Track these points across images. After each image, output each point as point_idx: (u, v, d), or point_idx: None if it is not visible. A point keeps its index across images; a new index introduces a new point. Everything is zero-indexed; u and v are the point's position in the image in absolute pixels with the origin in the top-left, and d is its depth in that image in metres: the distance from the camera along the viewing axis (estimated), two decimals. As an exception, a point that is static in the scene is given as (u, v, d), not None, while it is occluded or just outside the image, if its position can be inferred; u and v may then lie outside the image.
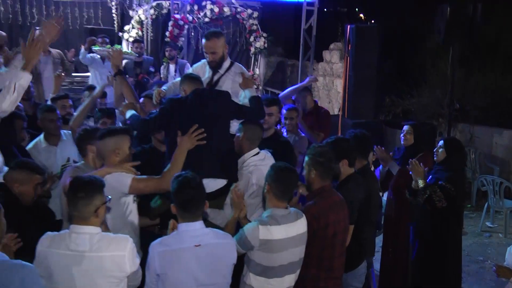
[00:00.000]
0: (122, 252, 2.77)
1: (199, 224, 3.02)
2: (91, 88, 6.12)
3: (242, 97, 4.57)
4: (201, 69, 4.85)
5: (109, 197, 2.94)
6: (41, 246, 2.79)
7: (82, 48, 8.45)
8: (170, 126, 3.97)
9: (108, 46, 4.99)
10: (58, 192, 4.18)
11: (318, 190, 3.60)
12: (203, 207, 3.05)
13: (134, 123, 4.08)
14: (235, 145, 4.14)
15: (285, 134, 5.56)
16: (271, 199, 3.34)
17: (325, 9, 10.90)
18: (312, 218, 3.43)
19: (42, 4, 10.08)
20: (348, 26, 7.85)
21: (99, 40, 8.22)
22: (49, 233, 2.83)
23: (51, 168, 4.55)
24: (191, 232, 2.98)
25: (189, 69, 5.06)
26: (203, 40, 4.63)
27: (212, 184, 3.82)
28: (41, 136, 4.85)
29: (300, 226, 3.34)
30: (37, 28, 3.89)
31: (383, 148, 5.09)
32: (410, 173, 4.46)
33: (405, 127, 5.29)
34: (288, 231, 3.25)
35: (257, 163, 4.03)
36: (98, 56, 8.13)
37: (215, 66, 4.67)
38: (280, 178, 3.30)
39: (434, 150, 4.69)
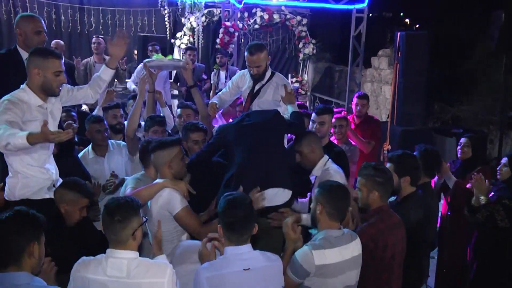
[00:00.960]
0: (161, 279, 2.64)
1: (247, 248, 2.86)
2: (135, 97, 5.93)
3: (283, 108, 4.58)
4: (241, 80, 4.89)
5: (146, 217, 2.91)
6: (76, 271, 2.69)
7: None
8: (227, 149, 4.02)
9: (159, 55, 5.01)
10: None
11: (376, 210, 3.43)
12: (252, 231, 2.88)
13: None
14: (306, 160, 4.05)
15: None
16: (324, 220, 3.15)
17: (370, 14, 10.80)
18: (369, 240, 3.27)
19: (99, 13, 10.43)
20: (398, 33, 7.77)
21: (149, 48, 8.35)
22: (84, 258, 2.72)
23: (99, 179, 4.59)
24: (239, 256, 2.83)
25: (233, 78, 5.08)
26: (246, 54, 4.62)
27: (280, 196, 3.76)
28: (89, 147, 4.88)
29: (355, 248, 3.15)
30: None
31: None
32: (468, 186, 4.26)
33: (462, 140, 5.02)
34: (343, 253, 3.07)
35: (334, 166, 3.99)
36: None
37: (259, 78, 4.69)
38: (334, 198, 3.12)
39: (498, 168, 4.44)
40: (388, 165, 3.85)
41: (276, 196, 3.71)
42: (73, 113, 5.25)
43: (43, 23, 4.23)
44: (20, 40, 4.13)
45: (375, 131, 6.20)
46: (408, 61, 7.61)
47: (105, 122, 4.91)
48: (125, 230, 2.65)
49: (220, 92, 5.13)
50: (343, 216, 3.22)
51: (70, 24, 10.32)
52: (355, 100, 6.43)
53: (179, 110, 5.29)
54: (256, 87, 4.73)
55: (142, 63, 5.04)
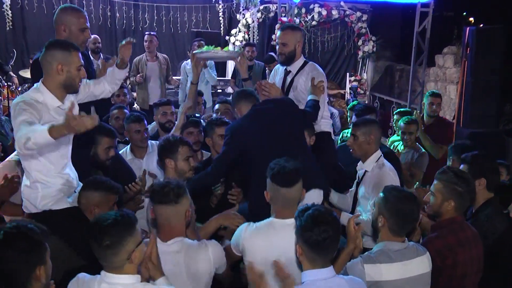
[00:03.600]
0: None
1: (329, 272, 2.43)
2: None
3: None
4: (275, 74, 4.63)
5: (146, 230, 2.55)
6: None
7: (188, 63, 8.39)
8: (242, 155, 3.62)
9: (209, 48, 4.70)
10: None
11: (447, 221, 3.04)
12: (336, 249, 2.47)
13: (197, 182, 3.57)
14: (357, 148, 3.74)
15: (401, 147, 5.12)
16: (385, 233, 2.79)
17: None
18: (436, 254, 2.88)
19: (153, 9, 10.38)
20: (468, 28, 7.25)
21: (195, 43, 8.10)
22: (80, 275, 2.39)
23: None
24: (322, 283, 2.40)
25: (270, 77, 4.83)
26: (278, 33, 4.40)
27: (311, 198, 3.40)
28: (127, 147, 4.59)
29: (421, 265, 2.75)
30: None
31: None
32: None
33: None
34: (405, 270, 2.67)
35: (389, 164, 3.71)
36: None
37: (284, 60, 4.37)
38: (399, 212, 2.72)
39: None
40: (461, 166, 3.44)
41: (308, 198, 3.28)
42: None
43: (87, 17, 3.90)
44: (63, 36, 3.72)
45: (449, 135, 5.74)
46: (479, 58, 7.07)
47: (145, 122, 4.62)
48: (118, 256, 2.23)
49: None
50: (408, 230, 2.83)
51: (125, 21, 10.32)
52: (429, 98, 5.92)
53: (217, 105, 5.05)
54: (288, 78, 4.41)
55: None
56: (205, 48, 4.76)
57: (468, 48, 7.21)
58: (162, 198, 2.68)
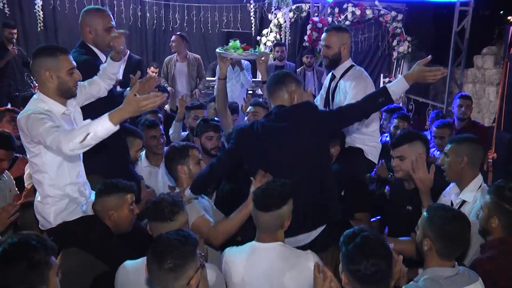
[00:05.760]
0: None
1: None
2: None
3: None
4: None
5: (203, 254, 2.27)
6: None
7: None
8: (246, 162, 3.33)
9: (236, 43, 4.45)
10: None
11: (497, 242, 2.75)
12: (391, 279, 2.23)
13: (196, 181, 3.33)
14: (448, 169, 3.23)
15: (437, 153, 4.86)
16: (433, 258, 2.48)
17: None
18: (486, 278, 2.55)
19: (184, 9, 10.31)
20: (511, 27, 6.94)
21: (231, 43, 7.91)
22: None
23: None
24: None
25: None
26: (323, 34, 4.10)
27: (310, 235, 3.19)
28: (143, 154, 4.38)
29: None
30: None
31: None
32: None
33: None
34: None
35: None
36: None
37: (327, 64, 4.07)
38: (447, 234, 2.42)
39: None
40: None
41: (307, 237, 3.15)
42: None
43: (112, 16, 3.79)
44: (89, 38, 3.66)
45: (482, 139, 5.36)
46: (523, 58, 6.76)
47: (161, 127, 4.44)
48: (179, 281, 2.03)
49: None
50: (458, 254, 2.53)
51: (155, 21, 10.27)
52: (457, 101, 5.68)
53: (251, 107, 4.72)
54: (332, 84, 4.07)
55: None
56: (231, 43, 4.39)
57: (511, 48, 6.92)
58: (157, 215, 2.61)
